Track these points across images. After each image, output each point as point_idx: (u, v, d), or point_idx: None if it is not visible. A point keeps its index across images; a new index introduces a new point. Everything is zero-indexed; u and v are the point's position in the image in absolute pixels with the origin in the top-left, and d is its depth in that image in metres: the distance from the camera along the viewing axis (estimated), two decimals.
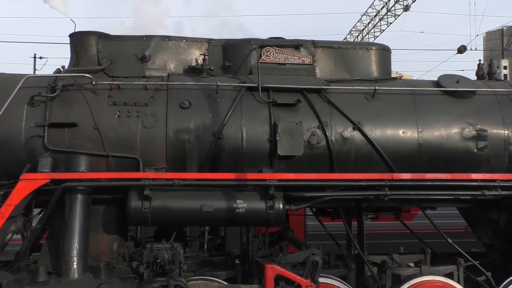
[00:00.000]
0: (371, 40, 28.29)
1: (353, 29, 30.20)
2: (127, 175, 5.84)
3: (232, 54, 6.76)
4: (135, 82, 6.35)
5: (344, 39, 31.04)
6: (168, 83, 6.36)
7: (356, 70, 6.90)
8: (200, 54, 6.68)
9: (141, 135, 6.02)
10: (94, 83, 6.13)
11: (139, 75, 6.51)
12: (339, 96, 6.54)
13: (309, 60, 6.86)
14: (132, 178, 5.81)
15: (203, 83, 6.39)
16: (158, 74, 6.57)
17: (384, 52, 7.11)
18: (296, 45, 6.84)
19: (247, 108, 6.27)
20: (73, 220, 5.64)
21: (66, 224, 5.63)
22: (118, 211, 5.98)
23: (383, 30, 28.12)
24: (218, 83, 6.25)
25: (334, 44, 7.02)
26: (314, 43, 6.93)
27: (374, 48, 7.04)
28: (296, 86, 6.45)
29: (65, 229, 5.63)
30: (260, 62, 6.59)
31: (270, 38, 7.02)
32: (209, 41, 6.82)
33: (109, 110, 6.12)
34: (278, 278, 5.71)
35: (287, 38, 7.05)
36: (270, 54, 6.76)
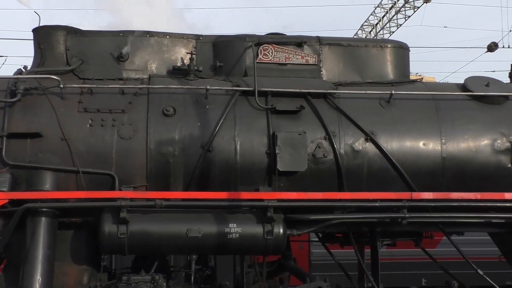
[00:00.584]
0: (386, 37, 28.45)
1: (365, 23, 30.38)
2: (100, 195, 5.80)
3: (224, 53, 6.77)
4: (110, 85, 6.34)
5: (354, 35, 31.19)
6: (149, 86, 6.36)
7: (368, 71, 6.92)
8: (187, 53, 6.69)
9: (117, 147, 6.01)
10: (62, 86, 6.11)
11: (115, 77, 6.51)
12: (349, 101, 6.54)
13: (314, 59, 6.87)
14: (106, 198, 5.78)
15: (190, 87, 6.39)
16: (138, 76, 6.58)
17: (402, 50, 7.13)
18: (299, 42, 6.85)
19: (242, 115, 6.27)
20: (36, 247, 5.58)
21: (27, 252, 5.58)
22: (89, 237, 5.93)
23: (400, 25, 28.29)
24: (208, 87, 6.26)
25: (343, 41, 7.03)
26: (319, 40, 6.94)
27: (389, 45, 7.06)
28: (298, 90, 6.45)
29: (25, 258, 5.57)
30: (257, 62, 6.59)
31: (269, 34, 7.02)
32: (197, 37, 6.83)
33: (80, 118, 6.10)
34: None
35: (288, 34, 7.06)
36: (268, 52, 6.77)
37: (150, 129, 6.09)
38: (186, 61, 6.69)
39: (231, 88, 6.45)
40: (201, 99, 6.31)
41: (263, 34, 6.97)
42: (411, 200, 6.14)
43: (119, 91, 6.31)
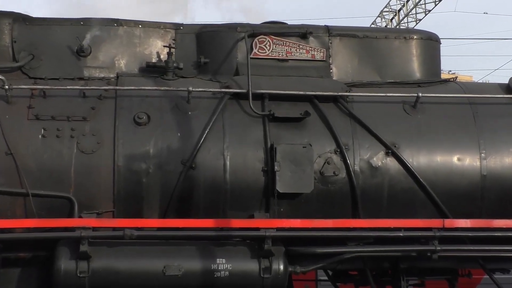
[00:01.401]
0: (411, 26, 28.62)
1: (386, 9, 30.61)
2: (54, 223, 5.76)
3: (210, 46, 6.78)
4: (69, 87, 6.32)
5: (372, 24, 31.39)
6: (117, 87, 6.36)
7: (389, 69, 6.96)
8: (164, 46, 6.70)
9: (76, 163, 5.99)
10: (6, 87, 6.08)
11: (74, 76, 6.52)
12: (366, 106, 6.56)
13: (321, 54, 6.88)
14: (62, 228, 5.74)
15: (168, 88, 6.39)
16: (103, 75, 6.59)
17: (431, 42, 7.15)
18: (303, 33, 6.86)
19: (232, 124, 6.28)
20: None
21: None
22: (41, 277, 5.87)
23: (429, 11, 28.47)
24: (190, 88, 6.24)
25: (358, 31, 7.06)
26: (328, 30, 6.96)
27: (415, 36, 7.10)
28: (303, 93, 6.46)
29: None
30: (251, 58, 6.60)
31: (266, 23, 7.03)
32: (177, 26, 6.84)
33: (30, 127, 6.08)
34: None
35: (290, 22, 7.08)
36: (265, 46, 6.78)
37: (118, 141, 6.08)
38: (163, 57, 6.69)
39: (219, 90, 6.45)
40: (181, 104, 6.30)
41: (258, 23, 7.02)
42: (443, 229, 6.13)
43: (80, 93, 6.30)
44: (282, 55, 6.82)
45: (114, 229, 5.79)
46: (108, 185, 6.01)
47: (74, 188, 5.95)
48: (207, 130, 6.16)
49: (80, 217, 5.85)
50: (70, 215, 5.89)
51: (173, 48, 6.66)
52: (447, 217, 6.28)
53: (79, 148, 6.04)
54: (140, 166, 6.06)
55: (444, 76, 7.42)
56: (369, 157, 6.34)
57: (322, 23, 7.11)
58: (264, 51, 6.78)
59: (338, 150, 6.31)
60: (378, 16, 31.18)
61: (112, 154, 6.05)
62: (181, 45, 6.75)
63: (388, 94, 6.60)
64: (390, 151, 6.36)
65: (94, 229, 5.71)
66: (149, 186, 6.06)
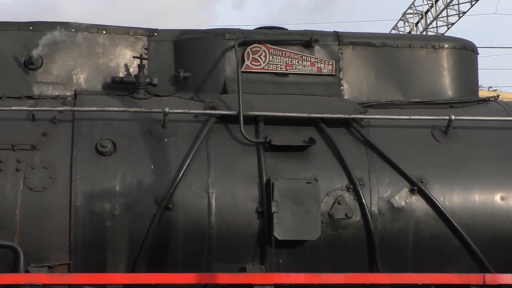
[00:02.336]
0: (441, 32, 28.81)
1: (410, 11, 30.83)
2: None
3: (192, 57, 6.84)
4: (14, 108, 6.32)
5: (393, 29, 31.62)
6: (75, 108, 6.37)
7: (415, 86, 7.02)
8: (134, 57, 6.76)
9: (23, 203, 5.99)
10: None
11: (21, 94, 6.57)
12: (385, 132, 6.61)
13: (330, 67, 6.93)
14: (3, 286, 5.66)
15: (139, 109, 6.42)
16: (57, 93, 6.64)
17: (466, 52, 7.23)
18: (307, 40, 6.91)
19: (219, 153, 6.32)
20: None
21: None
22: None
23: (463, 13, 28.65)
24: (167, 109, 6.26)
25: (375, 38, 7.11)
26: (338, 37, 7.02)
27: (447, 45, 7.17)
28: (307, 115, 6.49)
29: None
30: (243, 71, 6.66)
31: (260, 28, 7.10)
32: (151, 32, 6.91)
33: None
34: None
35: (290, 28, 7.12)
36: (260, 56, 6.82)
37: (77, 175, 6.09)
38: (133, 70, 6.74)
39: (202, 111, 6.48)
40: (155, 129, 6.33)
41: (251, 28, 7.10)
42: (485, 286, 6.08)
43: (28, 115, 6.31)
44: (281, 68, 6.86)
45: (70, 286, 5.77)
46: (63, 230, 6.00)
47: (19, 235, 5.95)
48: (188, 161, 6.18)
49: (27, 271, 5.82)
50: (15, 268, 5.86)
51: (145, 59, 6.70)
52: (488, 271, 6.28)
53: (27, 184, 6.04)
54: (103, 207, 6.07)
55: (482, 94, 7.43)
56: (390, 195, 6.36)
57: (330, 28, 7.20)
58: (259, 63, 6.82)
59: (351, 186, 6.32)
60: (400, 20, 31.35)
61: (69, 191, 6.05)
62: (155, 55, 6.80)
63: (413, 117, 6.63)
64: (416, 188, 6.37)
65: (45, 286, 5.66)
66: (114, 232, 6.07)
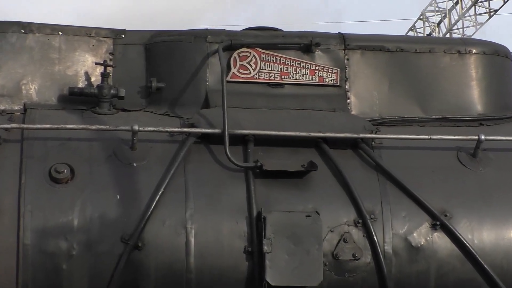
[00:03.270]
0: (469, 34, 28.88)
1: (430, 8, 30.94)
2: None
3: (166, 64, 6.88)
4: None
5: (410, 30, 31.69)
6: (25, 126, 6.38)
7: (436, 98, 7.06)
8: (97, 63, 6.78)
9: None
10: None
11: None
12: (401, 155, 6.64)
13: (334, 76, 6.96)
14: None
15: (102, 127, 6.42)
16: (3, 107, 6.64)
17: (498, 59, 7.28)
18: (307, 44, 6.95)
19: (200, 180, 6.32)
20: None
21: None
22: None
23: (494, 11, 28.77)
24: (136, 127, 6.26)
25: (389, 41, 7.16)
26: (344, 40, 7.06)
27: (475, 50, 7.21)
28: (306, 134, 6.51)
29: None
30: (228, 81, 6.67)
31: (250, 29, 7.15)
32: (117, 34, 6.94)
33: None
34: None
35: (286, 29, 7.19)
36: (249, 63, 6.86)
37: (26, 208, 6.07)
38: (95, 79, 6.76)
39: (179, 130, 6.49)
40: (122, 151, 6.35)
41: (239, 28, 7.14)
42: None
43: None
44: (274, 77, 6.90)
45: None
46: (9, 274, 5.99)
47: None
48: (161, 190, 6.17)
49: None
50: None
51: (111, 66, 6.72)
52: None
53: None
54: (58, 246, 6.04)
55: None
56: (407, 231, 6.37)
57: (335, 29, 7.23)
58: (248, 71, 6.86)
59: (360, 220, 6.32)
60: (419, 19, 31.41)
61: (16, 227, 6.04)
62: (122, 61, 6.83)
63: (434, 137, 6.64)
64: (438, 223, 6.37)
65: None
66: (72, 276, 6.05)
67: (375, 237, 6.30)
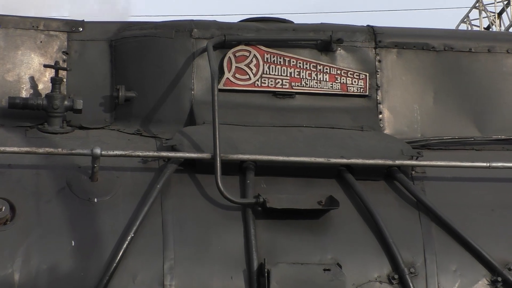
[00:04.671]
0: None
1: None
2: None
3: (137, 66, 6.95)
4: None
5: (462, 23, 31.78)
6: None
7: (496, 114, 7.13)
8: (46, 66, 6.82)
9: None
10: None
11: None
12: (451, 188, 6.67)
13: (361, 83, 7.02)
14: None
15: (53, 150, 6.41)
16: None
17: None
18: (326, 40, 7.01)
19: (183, 221, 6.33)
20: None
21: None
22: None
23: None
24: (98, 150, 6.26)
25: (433, 37, 7.23)
26: (375, 36, 7.13)
27: None
28: (324, 160, 6.52)
29: None
30: (221, 89, 6.72)
31: (250, 20, 7.24)
32: (73, 27, 6.97)
33: None
34: None
35: (296, 21, 7.28)
36: (248, 66, 6.91)
37: None
38: (44, 87, 6.82)
39: (156, 154, 6.52)
40: (79, 182, 6.38)
41: (236, 19, 7.18)
42: None
43: None
44: (282, 84, 6.95)
45: None
46: None
47: None
48: (131, 234, 6.19)
49: None
50: None
51: (64, 69, 6.77)
52: None
53: None
54: None
55: None
56: None
57: (362, 21, 7.28)
58: (247, 76, 6.91)
59: (396, 276, 6.33)
60: (475, 7, 31.49)
61: None
62: (80, 63, 6.91)
63: (494, 164, 6.64)
64: (500, 279, 6.39)
65: None
66: None
67: None
